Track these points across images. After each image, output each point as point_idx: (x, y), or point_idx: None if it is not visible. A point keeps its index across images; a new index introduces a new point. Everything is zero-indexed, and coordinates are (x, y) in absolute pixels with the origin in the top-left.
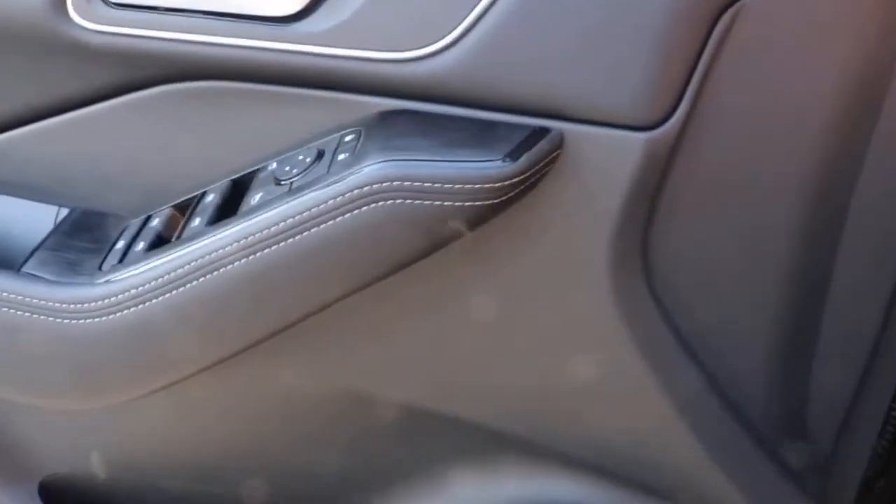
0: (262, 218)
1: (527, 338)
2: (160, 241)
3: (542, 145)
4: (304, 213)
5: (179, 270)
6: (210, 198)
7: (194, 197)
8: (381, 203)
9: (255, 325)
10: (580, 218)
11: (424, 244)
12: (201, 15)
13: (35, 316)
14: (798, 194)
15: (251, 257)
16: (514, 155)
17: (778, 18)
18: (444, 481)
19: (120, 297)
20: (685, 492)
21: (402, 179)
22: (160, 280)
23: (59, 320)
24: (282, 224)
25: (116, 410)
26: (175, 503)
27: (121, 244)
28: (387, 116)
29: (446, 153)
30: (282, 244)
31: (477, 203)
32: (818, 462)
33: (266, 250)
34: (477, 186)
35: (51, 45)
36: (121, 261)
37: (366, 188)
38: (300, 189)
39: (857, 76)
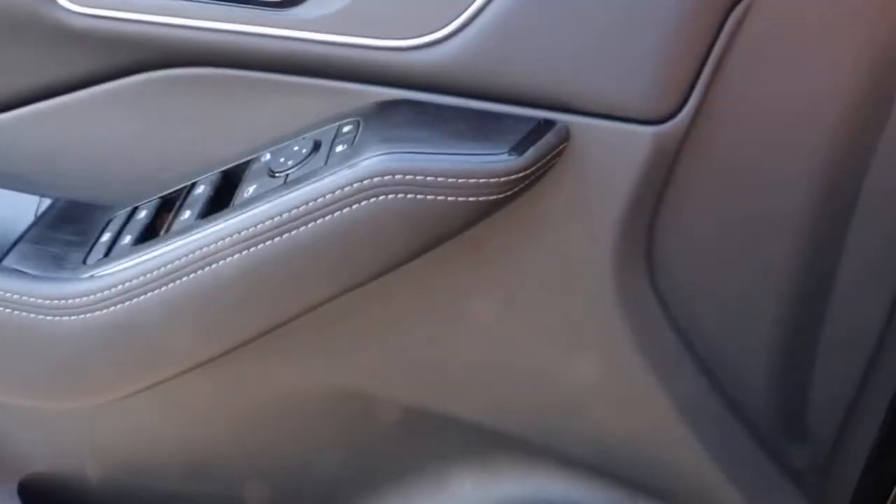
0: (255, 212)
1: (527, 335)
2: (148, 235)
3: (549, 138)
4: (301, 208)
5: (169, 266)
6: (200, 190)
7: (183, 188)
8: (381, 197)
9: (247, 323)
10: (584, 213)
11: (425, 241)
12: None
13: (16, 312)
14: (805, 192)
15: (244, 253)
16: (519, 148)
17: (790, 12)
18: (443, 481)
19: (106, 293)
20: (685, 492)
21: (404, 173)
22: (149, 276)
23: (41, 317)
24: (276, 218)
25: (100, 408)
26: (163, 503)
27: (106, 237)
28: (386, 106)
29: (449, 146)
30: (276, 239)
31: (481, 198)
32: (818, 462)
33: (260, 245)
34: (481, 181)
35: (34, 28)
36: (106, 254)
37: (365, 181)
38: (296, 182)
39: (868, 72)
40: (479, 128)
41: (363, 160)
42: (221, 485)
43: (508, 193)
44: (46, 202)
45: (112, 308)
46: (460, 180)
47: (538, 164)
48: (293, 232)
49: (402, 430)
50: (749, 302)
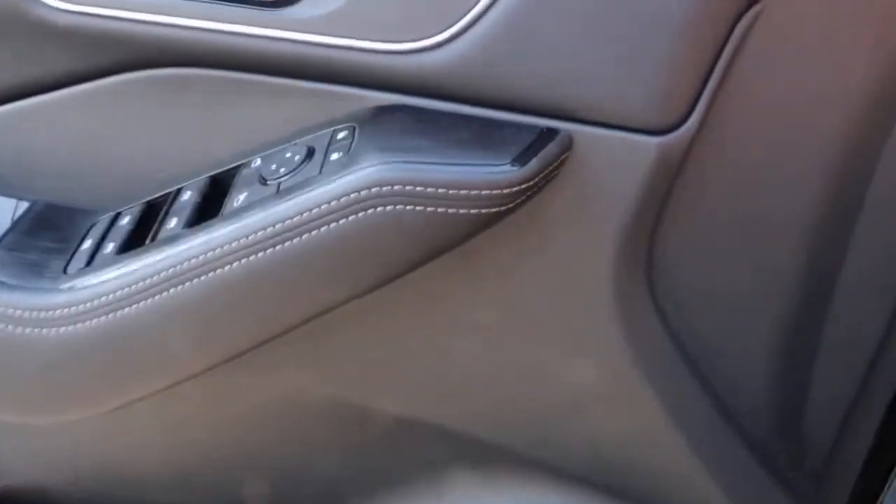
0: (246, 222)
1: (525, 345)
2: (132, 243)
3: (551, 148)
4: (295, 218)
5: (155, 277)
6: (187, 196)
7: (169, 194)
8: (378, 209)
9: (236, 337)
10: (585, 224)
11: (423, 252)
12: None
13: None
14: (809, 198)
15: (234, 264)
16: (522, 159)
17: (798, 21)
18: (439, 492)
19: (88, 304)
20: (681, 502)
21: (403, 183)
22: (134, 287)
23: (21, 329)
24: (269, 229)
25: (84, 420)
26: None
27: (88, 244)
28: (383, 112)
29: (449, 155)
30: (269, 251)
31: (482, 210)
32: (812, 468)
33: (251, 257)
34: (483, 193)
35: (15, 24)
36: (88, 263)
37: (363, 192)
38: (290, 191)
39: (875, 79)
40: (480, 136)
41: (360, 169)
42: (211, 495)
43: (510, 206)
44: (24, 206)
45: (95, 320)
46: (461, 192)
47: (541, 175)
48: (286, 244)
49: (398, 441)
50: (749, 311)
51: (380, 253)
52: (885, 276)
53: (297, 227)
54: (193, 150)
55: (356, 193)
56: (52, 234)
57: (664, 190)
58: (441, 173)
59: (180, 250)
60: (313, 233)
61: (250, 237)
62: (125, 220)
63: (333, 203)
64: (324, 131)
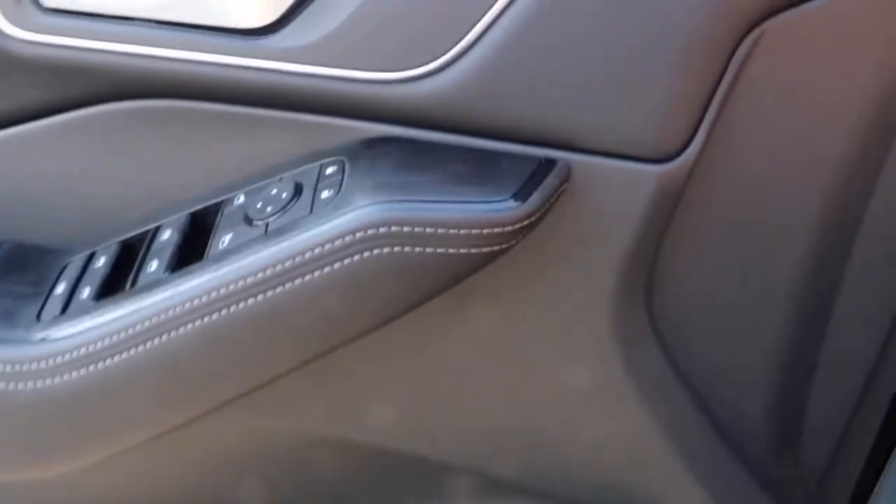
0: (234, 266)
1: (523, 376)
2: (110, 288)
3: (551, 180)
4: (286, 263)
5: (137, 327)
6: (167, 235)
7: (147, 232)
8: (374, 251)
9: (223, 388)
10: (584, 254)
11: (421, 294)
12: (154, 25)
13: None
14: (809, 221)
15: (222, 312)
16: (523, 193)
17: (799, 44)
18: None
19: (67, 356)
20: None
21: (400, 224)
22: (114, 338)
23: None
24: (259, 275)
25: (62, 476)
26: None
27: (61, 287)
28: (374, 145)
29: (448, 191)
30: (259, 297)
31: (484, 249)
32: (808, 487)
33: (240, 304)
34: (485, 231)
35: None
36: (64, 310)
37: (358, 234)
38: (279, 232)
39: (880, 104)
40: (477, 169)
41: (353, 209)
42: None
43: (512, 243)
44: None
45: (75, 373)
46: (462, 231)
47: (543, 209)
48: (277, 289)
49: (393, 478)
50: (748, 333)
51: (375, 296)
52: (881, 295)
53: (288, 272)
54: (171, 185)
55: (351, 236)
56: (22, 277)
57: (664, 219)
58: (439, 212)
59: (163, 297)
60: (306, 278)
61: (239, 283)
62: (101, 262)
63: (327, 246)
64: (311, 165)
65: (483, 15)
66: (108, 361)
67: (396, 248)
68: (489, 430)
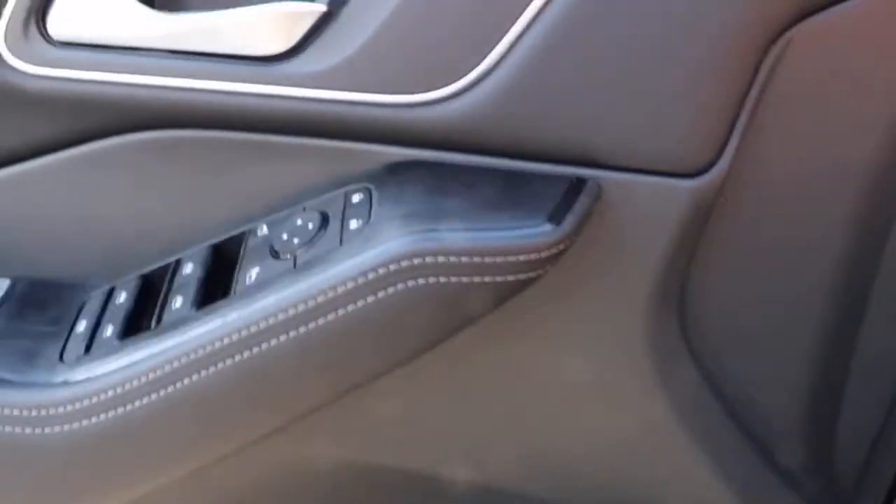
0: (264, 304)
1: (557, 399)
2: (134, 325)
3: (583, 200)
4: (319, 298)
5: (166, 367)
6: (189, 269)
7: (168, 266)
8: (409, 283)
9: (254, 423)
10: (617, 273)
11: (456, 324)
12: (167, 55)
13: None
14: (841, 235)
15: (254, 350)
16: (556, 216)
17: (828, 49)
18: None
19: (95, 399)
20: None
21: (435, 254)
22: (142, 380)
23: (20, 429)
24: (291, 311)
25: None
26: None
27: (83, 325)
28: (399, 170)
29: (479, 218)
30: (291, 334)
31: (521, 276)
32: (841, 498)
33: (271, 342)
34: (521, 259)
35: None
36: (87, 350)
37: (391, 266)
38: (308, 265)
39: None
40: (507, 192)
41: (385, 241)
42: None
43: (548, 268)
44: (6, 284)
45: (100, 416)
46: (498, 259)
47: (579, 231)
48: (309, 325)
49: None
50: (781, 346)
51: (411, 328)
52: None
53: (320, 307)
54: (189, 216)
55: (385, 268)
56: (41, 315)
57: (697, 233)
58: (472, 241)
59: (192, 336)
60: (339, 312)
61: (270, 320)
62: (122, 297)
63: (360, 280)
64: (335, 193)
65: (506, 33)
66: (137, 403)
67: (432, 279)
68: (525, 450)
